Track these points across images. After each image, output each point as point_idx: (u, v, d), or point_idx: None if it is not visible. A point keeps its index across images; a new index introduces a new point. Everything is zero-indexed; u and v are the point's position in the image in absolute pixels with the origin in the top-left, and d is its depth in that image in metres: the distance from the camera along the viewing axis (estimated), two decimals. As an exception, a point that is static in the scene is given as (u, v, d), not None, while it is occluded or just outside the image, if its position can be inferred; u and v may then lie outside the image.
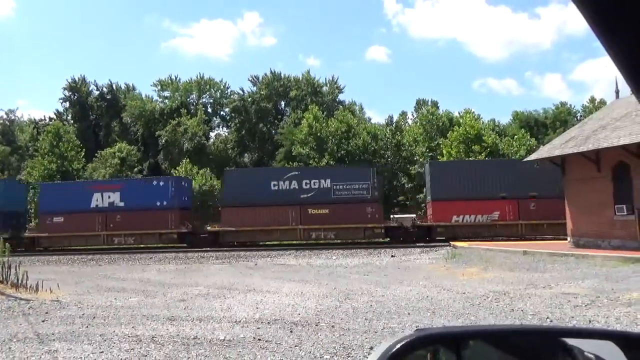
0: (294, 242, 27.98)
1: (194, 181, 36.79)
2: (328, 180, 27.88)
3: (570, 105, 54.44)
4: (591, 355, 1.36)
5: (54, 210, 29.14)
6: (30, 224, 34.12)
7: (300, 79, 53.22)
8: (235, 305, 9.73)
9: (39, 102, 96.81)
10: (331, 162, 38.50)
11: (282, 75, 54.01)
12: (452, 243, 23.36)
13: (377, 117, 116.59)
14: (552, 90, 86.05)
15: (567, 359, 1.41)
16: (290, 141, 44.20)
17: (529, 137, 41.43)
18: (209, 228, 29.18)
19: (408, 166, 41.83)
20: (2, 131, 57.02)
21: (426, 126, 44.33)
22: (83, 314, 9.18)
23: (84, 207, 28.95)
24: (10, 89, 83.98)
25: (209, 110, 55.57)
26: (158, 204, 28.58)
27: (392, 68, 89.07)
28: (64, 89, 57.29)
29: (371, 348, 5.99)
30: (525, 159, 22.39)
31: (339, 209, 27.05)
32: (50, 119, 56.74)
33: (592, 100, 52.42)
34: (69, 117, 57.60)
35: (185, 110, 50.19)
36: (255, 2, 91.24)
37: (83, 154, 45.80)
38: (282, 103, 54.88)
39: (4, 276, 12.01)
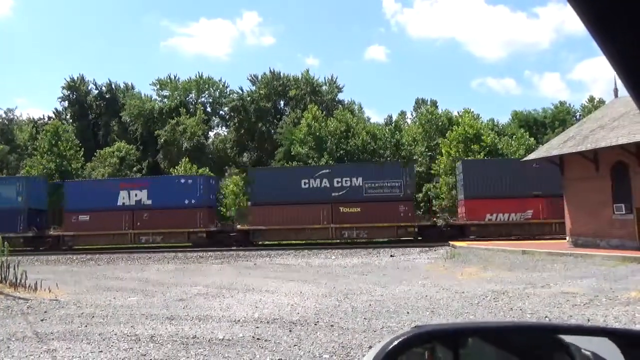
0: (327, 241, 27.65)
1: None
2: (360, 179, 27.70)
3: (569, 104, 54.65)
4: (588, 353, 1.36)
5: (80, 209, 28.70)
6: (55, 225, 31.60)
7: (300, 78, 53.12)
8: (235, 305, 9.73)
9: (38, 101, 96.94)
10: (330, 162, 38.45)
11: (281, 74, 53.97)
12: (451, 243, 23.36)
13: (376, 116, 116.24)
14: (550, 89, 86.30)
15: (564, 356, 1.41)
16: (290, 141, 44.14)
17: (528, 136, 41.52)
18: (238, 227, 28.93)
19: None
20: (1, 130, 56.85)
21: (425, 126, 44.28)
22: (82, 313, 9.17)
23: (111, 205, 28.55)
24: (9, 87, 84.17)
25: (208, 109, 55.47)
26: (186, 202, 28.27)
27: (391, 67, 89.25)
28: (63, 88, 57.35)
29: (370, 347, 5.98)
30: (524, 159, 22.39)
31: (370, 207, 26.88)
32: (49, 118, 56.76)
33: (591, 99, 52.54)
34: (68, 116, 57.52)
35: (184, 110, 50.08)
36: (255, 2, 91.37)
37: (82, 153, 45.65)
38: (281, 102, 54.78)
39: (3, 275, 11.95)
